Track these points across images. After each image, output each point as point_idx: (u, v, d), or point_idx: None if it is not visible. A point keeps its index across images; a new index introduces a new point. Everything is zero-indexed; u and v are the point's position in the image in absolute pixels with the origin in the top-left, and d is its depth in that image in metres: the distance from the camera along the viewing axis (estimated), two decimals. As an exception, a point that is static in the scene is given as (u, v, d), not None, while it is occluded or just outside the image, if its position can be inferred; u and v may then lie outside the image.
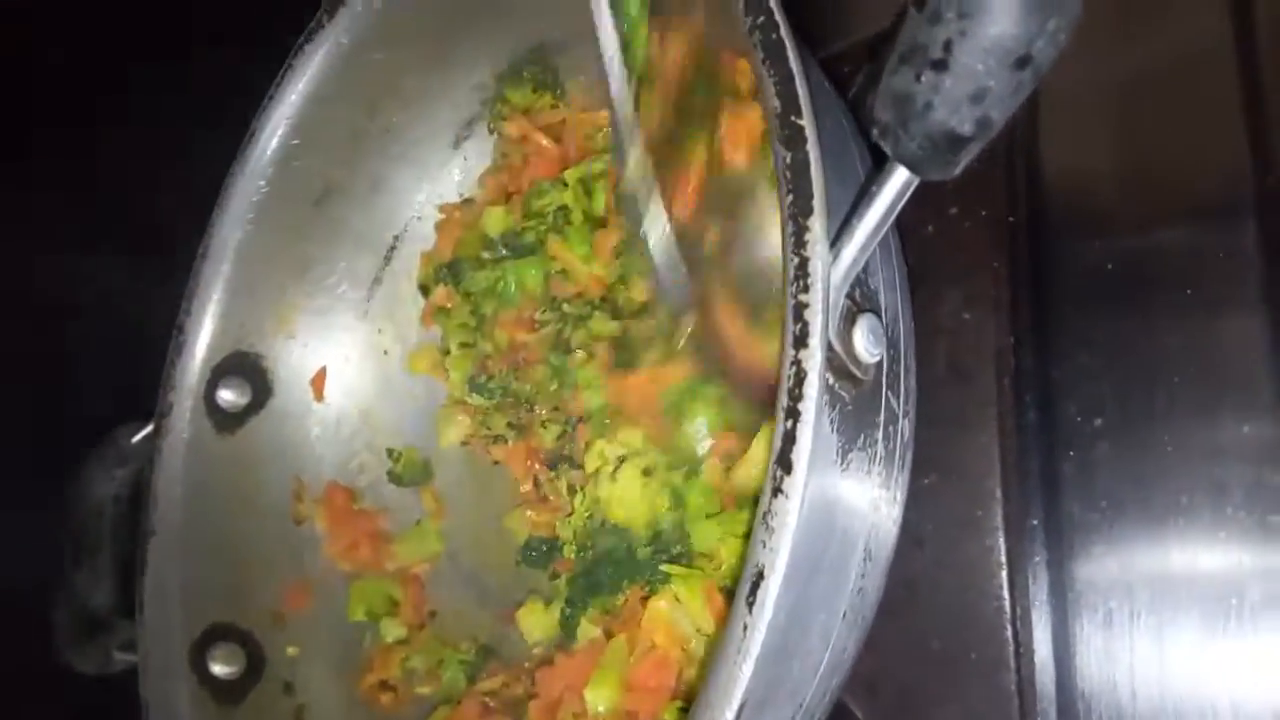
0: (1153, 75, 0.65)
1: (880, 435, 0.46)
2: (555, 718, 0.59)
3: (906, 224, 0.62)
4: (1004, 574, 0.58)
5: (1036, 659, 0.57)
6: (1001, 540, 0.58)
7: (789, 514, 0.37)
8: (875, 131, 0.37)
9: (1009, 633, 0.57)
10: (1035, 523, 0.59)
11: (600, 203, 0.70)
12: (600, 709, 0.55)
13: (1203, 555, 0.55)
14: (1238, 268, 0.59)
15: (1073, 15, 0.35)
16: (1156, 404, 0.58)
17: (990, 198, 0.64)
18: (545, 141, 0.75)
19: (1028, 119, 0.66)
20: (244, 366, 0.78)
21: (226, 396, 0.77)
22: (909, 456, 0.51)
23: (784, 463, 0.38)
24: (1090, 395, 0.60)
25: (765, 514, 0.38)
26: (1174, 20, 0.65)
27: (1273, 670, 0.52)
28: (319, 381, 0.81)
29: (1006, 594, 0.57)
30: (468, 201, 0.82)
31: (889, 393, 0.46)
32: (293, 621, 0.76)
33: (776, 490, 0.38)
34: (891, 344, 0.47)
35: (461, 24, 0.75)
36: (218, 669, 0.71)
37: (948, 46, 0.35)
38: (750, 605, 0.37)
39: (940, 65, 0.35)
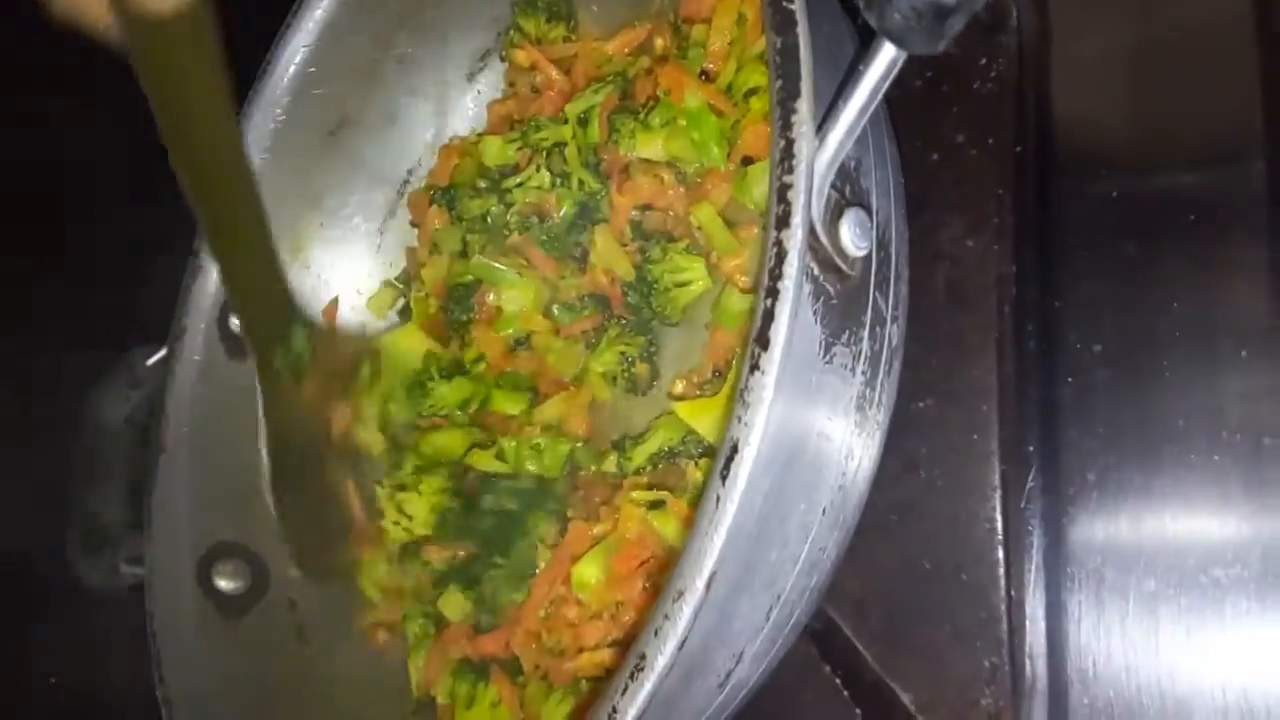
0: (1167, 13, 0.65)
1: (866, 334, 0.46)
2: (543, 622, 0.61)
3: (911, 150, 0.62)
4: (997, 496, 0.58)
5: (1027, 580, 0.57)
6: (996, 464, 0.58)
7: (765, 389, 0.38)
8: (862, 4, 0.37)
9: (1000, 553, 0.57)
10: (1031, 448, 0.59)
11: (595, 133, 0.70)
12: (591, 581, 0.56)
13: (1198, 479, 0.55)
14: (1244, 205, 0.58)
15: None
16: (1157, 330, 0.58)
17: (998, 127, 0.64)
18: (555, 74, 0.75)
19: (1038, 50, 0.66)
20: (258, 293, 0.79)
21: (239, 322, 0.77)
22: (897, 364, 0.51)
23: (762, 340, 0.38)
24: (1090, 322, 0.60)
25: (742, 390, 0.38)
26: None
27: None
28: (331, 311, 0.82)
29: (999, 516, 0.57)
30: (481, 136, 0.82)
31: (877, 294, 0.46)
32: (299, 543, 0.77)
33: (754, 367, 0.38)
34: (882, 245, 0.47)
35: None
36: (223, 583, 0.72)
37: (931, -86, 0.35)
38: (724, 478, 0.38)
39: (924, -66, 0.35)
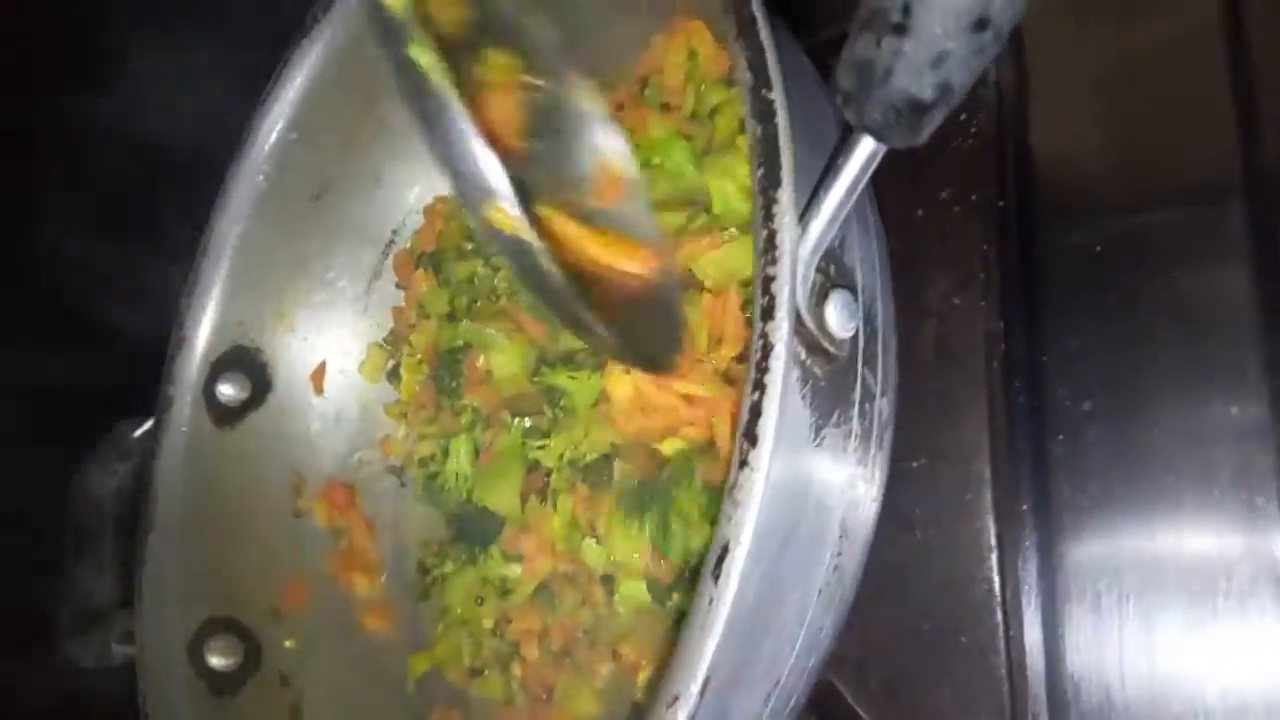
0: (1141, 59, 0.65)
1: (856, 413, 0.45)
2: None
3: (895, 208, 0.62)
4: (994, 557, 0.57)
5: (1026, 641, 0.56)
6: (991, 523, 0.58)
7: (755, 486, 0.37)
8: (839, 100, 0.37)
9: (999, 616, 0.56)
10: (1025, 507, 0.59)
11: None
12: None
13: (1190, 537, 0.54)
14: (1226, 249, 0.58)
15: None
16: (1145, 386, 0.57)
17: (980, 183, 0.64)
18: (539, 132, 0.75)
19: (1017, 103, 0.66)
20: (244, 361, 0.78)
21: (226, 391, 0.77)
22: (888, 436, 0.50)
23: (750, 436, 0.38)
24: (1079, 378, 0.59)
25: (731, 488, 0.38)
26: (1163, 3, 0.65)
27: (1259, 650, 0.51)
28: (319, 376, 0.82)
29: (996, 577, 0.57)
30: (464, 196, 0.82)
31: (865, 370, 0.46)
32: (290, 615, 0.76)
33: (743, 464, 0.38)
34: (868, 320, 0.47)
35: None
36: (215, 661, 0.71)
37: (906, 10, 0.35)
38: (715, 579, 0.37)
39: (900, 29, 0.35)
